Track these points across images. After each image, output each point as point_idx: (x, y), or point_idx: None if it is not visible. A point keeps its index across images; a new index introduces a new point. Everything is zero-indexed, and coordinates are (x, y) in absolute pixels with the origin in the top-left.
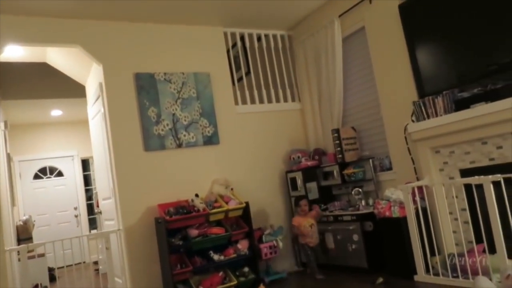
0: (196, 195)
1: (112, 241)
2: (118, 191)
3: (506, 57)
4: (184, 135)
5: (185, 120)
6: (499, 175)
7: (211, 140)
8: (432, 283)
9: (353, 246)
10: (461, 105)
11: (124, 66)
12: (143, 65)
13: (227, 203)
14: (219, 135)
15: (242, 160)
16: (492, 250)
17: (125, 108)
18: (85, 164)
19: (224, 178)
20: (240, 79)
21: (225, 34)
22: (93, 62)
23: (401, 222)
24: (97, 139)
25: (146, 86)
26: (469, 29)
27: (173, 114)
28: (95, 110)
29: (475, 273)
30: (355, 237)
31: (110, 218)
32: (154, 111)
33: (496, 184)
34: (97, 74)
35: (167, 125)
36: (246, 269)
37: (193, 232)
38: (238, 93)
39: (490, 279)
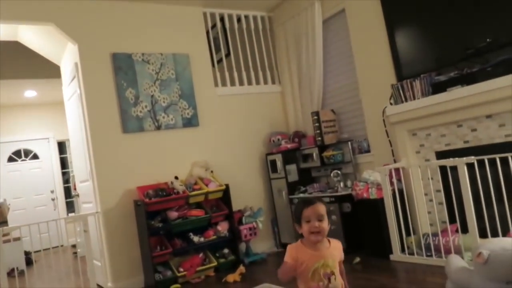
0: (176, 178)
1: (90, 224)
2: (95, 174)
3: (482, 41)
4: (163, 117)
5: (164, 102)
6: (472, 157)
7: (190, 122)
8: (407, 262)
9: (332, 227)
10: (438, 88)
11: (101, 45)
12: (121, 45)
13: (207, 185)
14: (198, 117)
15: (222, 143)
16: (465, 229)
17: (102, 89)
18: (62, 147)
19: (204, 160)
20: (220, 61)
21: (205, 14)
22: (68, 42)
23: (378, 203)
24: (74, 121)
25: (124, 67)
26: (447, 13)
27: (152, 96)
28: (70, 91)
29: (448, 252)
30: (334, 218)
31: (88, 201)
32: (132, 92)
33: (470, 166)
34: (72, 54)
35: (146, 106)
36: (226, 251)
37: (173, 214)
38: (218, 75)
39: (462, 258)
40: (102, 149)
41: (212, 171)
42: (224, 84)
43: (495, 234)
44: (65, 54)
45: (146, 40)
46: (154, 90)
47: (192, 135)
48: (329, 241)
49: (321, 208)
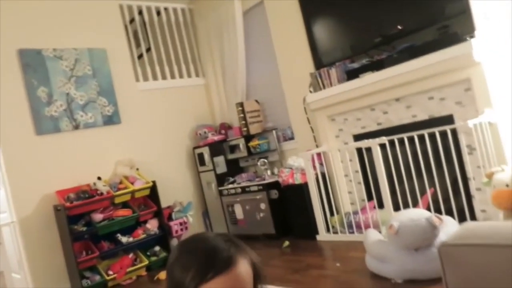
0: (99, 178)
1: (5, 235)
2: (8, 181)
3: (391, 29)
4: (81, 116)
5: (81, 100)
6: (384, 137)
7: (111, 119)
8: (332, 241)
9: (261, 215)
10: (351, 75)
11: (5, 41)
12: (28, 41)
13: (132, 183)
14: (120, 114)
15: (146, 139)
16: (381, 205)
17: (8, 89)
18: None
19: (128, 158)
20: (140, 56)
21: (121, 7)
22: None
23: (303, 188)
24: None
25: (33, 64)
26: (360, 2)
27: (67, 94)
28: None
29: (368, 227)
30: (262, 205)
31: (2, 211)
32: (44, 91)
33: (383, 146)
34: None
35: (61, 105)
36: (157, 248)
37: (98, 216)
38: (139, 69)
39: (380, 231)
40: (13, 153)
41: (137, 169)
42: (146, 79)
43: (406, 207)
44: None
45: (58, 34)
46: (70, 87)
47: (114, 133)
48: None
49: (244, 275)
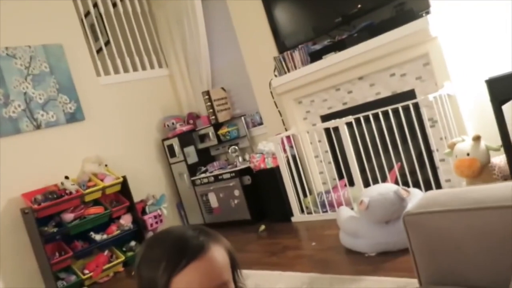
0: (66, 177)
1: None
2: None
3: (350, 9)
4: (42, 115)
5: (40, 99)
6: (350, 116)
7: (74, 117)
8: (307, 221)
9: (236, 201)
10: (315, 57)
11: None
12: None
13: (102, 180)
14: (83, 110)
15: (113, 134)
16: (352, 183)
17: None
18: None
19: (95, 155)
20: (100, 50)
21: (75, 0)
22: None
23: (275, 172)
24: None
25: None
26: None
27: (25, 93)
28: None
29: (340, 205)
30: (236, 192)
31: None
32: (0, 92)
33: (350, 125)
34: None
35: (19, 106)
36: (132, 243)
37: (68, 216)
38: (99, 63)
39: (352, 208)
40: None
41: (106, 165)
42: (107, 73)
43: (376, 183)
44: None
45: (10, 32)
46: (27, 86)
47: (79, 130)
48: None
49: (220, 260)
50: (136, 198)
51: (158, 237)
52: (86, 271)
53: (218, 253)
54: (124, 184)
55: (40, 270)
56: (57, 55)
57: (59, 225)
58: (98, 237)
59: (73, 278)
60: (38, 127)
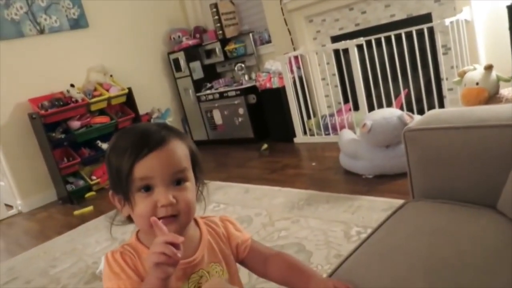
0: (72, 85)
1: None
2: None
3: None
4: (45, 19)
5: (42, 1)
6: (361, 38)
7: (78, 23)
8: (309, 143)
9: (240, 119)
10: None
11: None
12: None
13: (107, 90)
14: (87, 17)
15: (118, 44)
16: (357, 107)
17: None
18: None
19: (100, 64)
20: None
21: None
22: None
23: (281, 92)
24: None
25: None
26: None
27: None
28: None
29: (343, 128)
30: (241, 110)
31: None
32: None
33: (360, 48)
34: None
35: (21, 8)
36: None
37: (75, 124)
38: None
39: (355, 133)
40: None
41: (111, 75)
42: None
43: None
44: None
45: None
46: None
47: (83, 38)
48: (198, 225)
49: (179, 151)
50: (142, 111)
51: (126, 130)
52: (94, 177)
53: (178, 146)
54: (130, 95)
55: (50, 173)
56: None
57: (66, 132)
58: (104, 145)
59: (81, 182)
60: (41, 31)
